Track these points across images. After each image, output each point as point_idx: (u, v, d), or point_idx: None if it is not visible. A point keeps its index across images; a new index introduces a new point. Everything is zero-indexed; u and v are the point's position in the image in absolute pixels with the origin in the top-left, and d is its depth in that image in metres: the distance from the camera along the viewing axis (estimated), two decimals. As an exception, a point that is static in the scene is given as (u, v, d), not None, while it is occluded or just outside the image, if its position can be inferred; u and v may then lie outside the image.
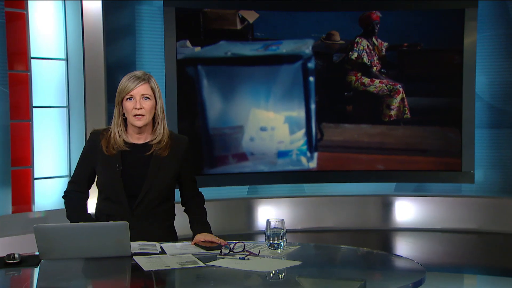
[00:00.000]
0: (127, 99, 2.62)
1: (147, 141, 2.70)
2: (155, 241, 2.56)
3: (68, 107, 5.51)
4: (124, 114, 2.66)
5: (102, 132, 2.71)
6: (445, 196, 6.50)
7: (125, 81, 2.63)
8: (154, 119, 2.69)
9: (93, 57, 5.44)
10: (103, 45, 5.47)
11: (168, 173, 2.70)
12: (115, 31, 5.83)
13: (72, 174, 2.82)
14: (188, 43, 6.20)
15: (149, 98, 2.63)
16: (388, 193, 6.63)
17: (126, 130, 2.69)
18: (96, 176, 2.74)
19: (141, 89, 2.62)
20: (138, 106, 2.61)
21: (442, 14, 6.46)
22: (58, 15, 5.43)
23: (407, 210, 6.52)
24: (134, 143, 2.69)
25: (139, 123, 2.63)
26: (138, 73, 2.66)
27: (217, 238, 2.57)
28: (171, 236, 2.80)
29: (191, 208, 2.84)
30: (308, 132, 6.56)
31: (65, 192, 2.76)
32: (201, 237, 2.60)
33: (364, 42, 6.55)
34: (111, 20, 5.74)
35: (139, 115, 2.62)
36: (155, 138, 2.68)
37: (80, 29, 5.41)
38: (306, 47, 6.50)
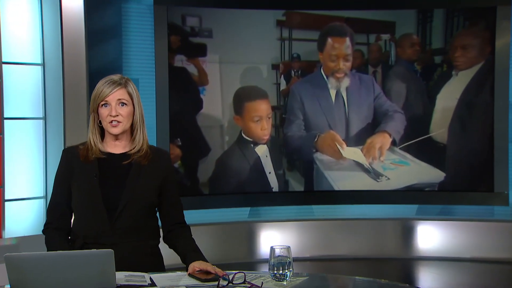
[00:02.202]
0: (102, 105, 2.71)
1: (125, 151, 2.77)
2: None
3: (44, 118, 5.52)
4: (100, 122, 2.74)
5: (78, 146, 2.81)
6: (475, 220, 6.48)
7: (100, 86, 2.72)
8: (132, 126, 2.76)
9: (74, 62, 5.46)
10: (85, 49, 5.49)
11: (149, 183, 2.76)
12: (98, 33, 5.85)
13: (48, 200, 2.84)
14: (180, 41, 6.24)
15: (126, 104, 2.72)
16: (409, 216, 6.60)
17: (102, 139, 2.77)
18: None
19: (117, 94, 2.70)
20: (113, 113, 2.69)
21: (471, 12, 6.47)
22: (33, 14, 5.45)
23: (431, 236, 6.50)
24: (112, 153, 2.76)
25: (115, 130, 2.72)
26: (114, 77, 2.75)
27: (214, 267, 2.57)
28: (157, 258, 2.83)
29: (179, 238, 2.83)
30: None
31: (45, 224, 2.81)
32: (196, 265, 2.60)
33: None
34: (94, 20, 5.77)
35: (115, 121, 2.69)
36: (134, 148, 2.76)
37: (59, 30, 5.42)
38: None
